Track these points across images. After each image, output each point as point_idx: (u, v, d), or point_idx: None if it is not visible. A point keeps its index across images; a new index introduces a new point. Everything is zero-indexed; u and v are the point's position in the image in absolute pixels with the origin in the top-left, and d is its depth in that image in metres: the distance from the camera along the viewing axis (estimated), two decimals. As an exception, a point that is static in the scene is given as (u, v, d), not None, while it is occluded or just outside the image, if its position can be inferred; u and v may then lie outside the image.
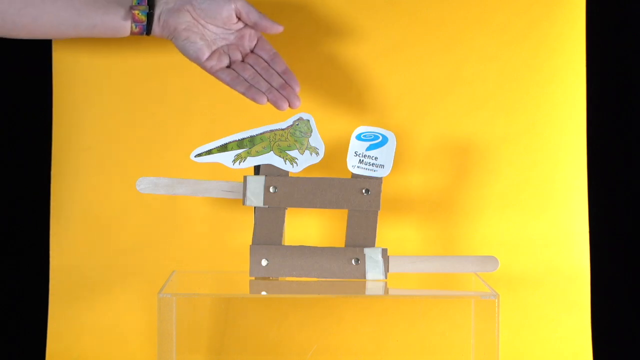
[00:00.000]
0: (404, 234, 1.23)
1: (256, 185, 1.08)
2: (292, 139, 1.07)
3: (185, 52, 1.08)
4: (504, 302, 1.05)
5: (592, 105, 1.23)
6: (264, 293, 1.08)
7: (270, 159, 1.08)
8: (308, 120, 1.07)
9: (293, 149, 1.07)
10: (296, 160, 1.08)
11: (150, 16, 1.06)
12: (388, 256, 1.08)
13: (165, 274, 1.18)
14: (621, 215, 1.27)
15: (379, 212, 1.08)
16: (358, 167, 1.08)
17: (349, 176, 1.08)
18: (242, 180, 1.08)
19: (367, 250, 1.08)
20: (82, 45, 1.22)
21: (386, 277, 1.08)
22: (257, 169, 1.09)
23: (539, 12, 1.23)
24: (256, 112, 1.23)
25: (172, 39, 1.08)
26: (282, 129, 1.08)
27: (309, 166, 1.08)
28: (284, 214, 1.08)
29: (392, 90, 1.24)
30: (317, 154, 1.08)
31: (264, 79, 1.10)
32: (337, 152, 1.15)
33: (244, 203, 1.08)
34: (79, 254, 1.23)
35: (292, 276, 1.08)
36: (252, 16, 1.08)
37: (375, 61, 1.24)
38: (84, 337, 1.23)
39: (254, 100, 1.08)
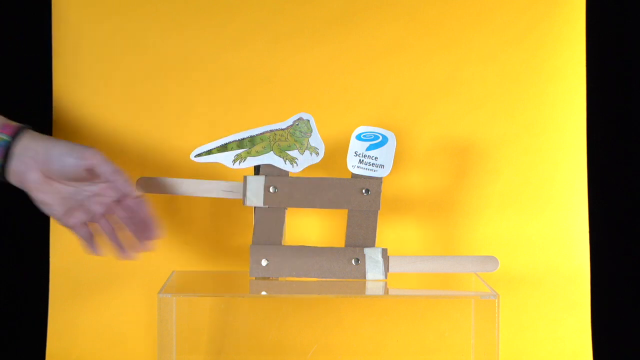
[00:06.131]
0: (403, 234, 1.23)
1: (256, 185, 1.08)
2: (292, 139, 1.07)
3: (40, 208, 1.03)
4: (504, 302, 1.05)
5: (592, 105, 1.23)
6: (264, 293, 1.08)
7: (270, 159, 1.08)
8: (308, 120, 1.07)
9: (293, 149, 1.07)
10: (296, 160, 1.08)
11: (2, 169, 1.00)
12: (388, 256, 1.08)
13: (165, 274, 1.18)
14: (621, 216, 1.27)
15: (381, 213, 1.08)
16: (358, 167, 1.08)
17: (349, 176, 1.08)
18: (242, 180, 1.08)
19: (367, 250, 1.08)
20: (82, 45, 1.22)
21: (386, 277, 1.08)
22: (256, 169, 1.09)
23: (539, 12, 1.23)
24: (256, 112, 1.23)
25: (27, 192, 1.02)
26: (282, 129, 1.07)
27: (309, 166, 1.08)
28: (284, 214, 1.08)
29: (392, 90, 1.24)
30: (317, 154, 1.08)
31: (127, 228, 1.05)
32: (337, 152, 1.15)
33: (244, 203, 1.08)
34: (79, 254, 1.23)
35: (292, 276, 1.08)
36: (106, 174, 1.00)
37: (375, 61, 1.24)
38: (84, 337, 1.23)
39: (118, 257, 1.05)
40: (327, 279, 1.08)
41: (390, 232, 1.22)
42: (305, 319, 1.23)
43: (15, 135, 1.01)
